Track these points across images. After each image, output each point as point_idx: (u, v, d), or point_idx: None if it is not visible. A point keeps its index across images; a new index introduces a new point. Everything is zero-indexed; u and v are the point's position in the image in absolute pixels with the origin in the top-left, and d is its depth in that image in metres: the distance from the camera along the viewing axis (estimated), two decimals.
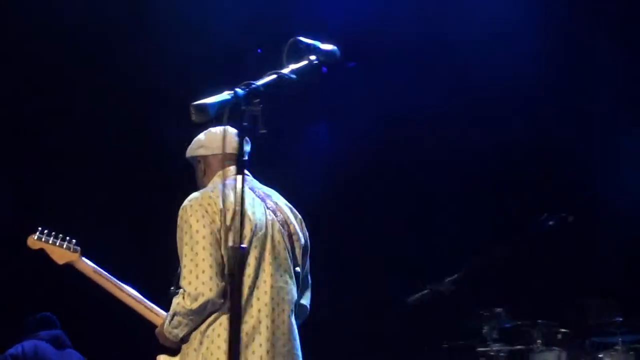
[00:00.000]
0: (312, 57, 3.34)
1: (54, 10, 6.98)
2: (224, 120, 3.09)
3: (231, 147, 4.05)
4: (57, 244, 4.35)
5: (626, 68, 7.02)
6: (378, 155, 7.58)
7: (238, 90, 3.13)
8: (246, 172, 4.00)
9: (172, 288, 4.10)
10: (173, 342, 4.08)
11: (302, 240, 4.27)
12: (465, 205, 7.56)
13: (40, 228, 4.40)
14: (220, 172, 4.17)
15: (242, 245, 3.11)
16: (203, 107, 3.09)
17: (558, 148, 7.31)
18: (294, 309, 4.15)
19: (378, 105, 7.33)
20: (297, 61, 3.28)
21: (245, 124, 3.12)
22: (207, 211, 3.98)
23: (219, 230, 3.94)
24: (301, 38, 3.31)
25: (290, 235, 4.20)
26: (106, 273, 4.34)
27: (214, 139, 4.25)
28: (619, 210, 6.98)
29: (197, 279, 3.90)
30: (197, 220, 3.96)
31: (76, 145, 7.51)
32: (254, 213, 4.07)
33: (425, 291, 6.33)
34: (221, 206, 3.93)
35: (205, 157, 4.28)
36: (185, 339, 4.06)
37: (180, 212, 4.03)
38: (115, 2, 7.19)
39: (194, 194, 4.06)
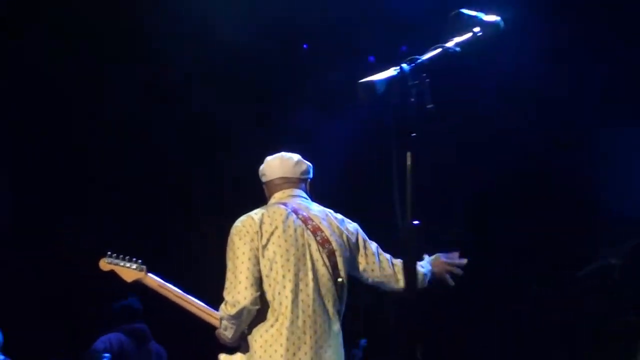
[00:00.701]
0: (476, 29, 3.29)
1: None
2: (391, 96, 3.08)
3: (282, 172, 4.67)
4: (125, 265, 4.73)
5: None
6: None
7: (404, 65, 3.12)
8: (299, 191, 4.65)
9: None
10: (229, 342, 4.51)
11: (346, 253, 4.64)
12: None
13: (109, 252, 4.77)
14: (275, 195, 4.69)
15: (415, 222, 3.06)
16: (370, 85, 3.08)
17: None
18: (335, 317, 4.57)
19: None
20: (460, 34, 3.26)
21: (412, 99, 3.08)
22: (247, 232, 4.46)
23: (257, 248, 4.43)
24: (464, 10, 3.28)
25: (329, 252, 4.56)
26: (170, 285, 4.73)
27: (270, 166, 4.73)
28: None
29: (235, 289, 4.37)
30: (239, 239, 4.46)
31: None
32: (292, 236, 4.51)
33: (599, 264, 6.15)
34: (258, 228, 4.45)
35: (265, 183, 4.76)
36: (243, 337, 4.47)
37: (231, 231, 4.50)
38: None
39: (243, 216, 4.54)
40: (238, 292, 4.37)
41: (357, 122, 6.60)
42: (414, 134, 3.10)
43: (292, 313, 4.43)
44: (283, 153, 4.74)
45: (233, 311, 4.37)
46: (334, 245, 4.59)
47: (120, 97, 7.13)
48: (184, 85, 7.22)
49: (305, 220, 4.58)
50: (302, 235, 4.54)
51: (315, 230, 4.58)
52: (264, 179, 4.77)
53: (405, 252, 3.11)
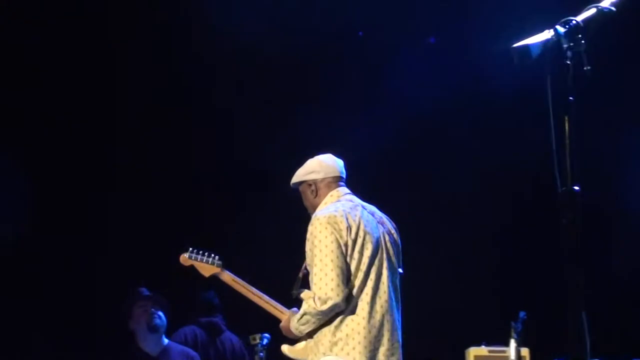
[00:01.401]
0: None
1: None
2: (546, 60, 3.03)
3: (337, 171, 4.79)
4: (204, 260, 4.92)
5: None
6: None
7: (558, 28, 3.05)
8: (349, 191, 4.78)
9: (293, 291, 4.76)
10: (295, 336, 4.69)
11: (400, 246, 4.84)
12: None
13: (190, 248, 4.93)
14: (332, 193, 4.76)
15: (575, 188, 3.01)
16: (525, 50, 3.03)
17: None
18: (400, 306, 4.74)
19: None
20: None
21: (568, 62, 3.01)
22: (335, 228, 4.53)
23: (346, 244, 4.52)
24: None
25: (394, 243, 4.77)
26: (242, 281, 4.93)
27: (323, 165, 4.82)
28: None
29: (326, 285, 4.46)
30: (326, 236, 4.52)
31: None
32: (372, 228, 4.65)
33: None
34: (347, 224, 4.54)
35: (315, 181, 4.80)
36: (311, 334, 4.62)
37: (310, 228, 4.59)
38: None
39: (321, 213, 4.61)
40: (330, 289, 4.48)
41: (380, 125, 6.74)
42: (572, 98, 3.02)
43: (371, 309, 4.57)
44: (329, 154, 4.89)
45: (324, 307, 4.50)
46: (395, 236, 4.81)
47: (141, 97, 7.17)
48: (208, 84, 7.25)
49: (373, 213, 4.75)
50: (377, 228, 4.70)
51: (382, 222, 4.78)
52: (313, 177, 4.83)
53: (564, 217, 3.01)
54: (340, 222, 4.58)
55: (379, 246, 4.68)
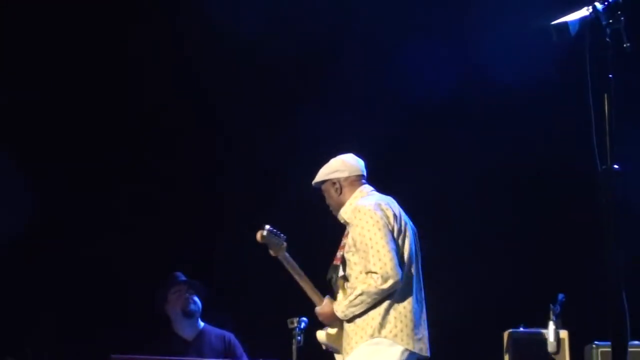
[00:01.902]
0: None
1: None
2: (585, 37, 3.01)
3: (360, 170, 4.97)
4: (276, 241, 4.99)
5: None
6: None
7: (597, 4, 3.03)
8: (372, 188, 4.94)
9: (331, 277, 4.92)
10: (333, 320, 4.82)
11: None
12: None
13: (267, 226, 4.97)
14: (361, 189, 4.92)
15: (614, 167, 2.97)
16: (563, 27, 3.01)
17: None
18: None
19: None
20: None
21: (607, 39, 2.97)
22: (384, 214, 4.74)
23: (398, 231, 4.74)
24: None
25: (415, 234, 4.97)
26: (295, 264, 5.02)
27: (347, 164, 4.97)
28: None
29: (386, 265, 4.62)
30: (377, 220, 4.70)
31: None
32: (408, 220, 4.88)
33: None
34: (392, 211, 4.75)
35: (339, 179, 4.95)
36: (351, 319, 4.73)
37: (357, 216, 4.77)
38: None
39: (364, 202, 4.78)
40: (391, 268, 4.63)
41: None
42: (611, 75, 2.99)
43: (416, 296, 4.77)
44: (351, 154, 5.04)
45: (385, 286, 4.63)
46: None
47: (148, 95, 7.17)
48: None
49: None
50: (410, 221, 4.91)
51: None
52: (337, 175, 4.96)
53: (604, 196, 2.98)
54: (386, 210, 4.77)
55: (415, 237, 4.89)
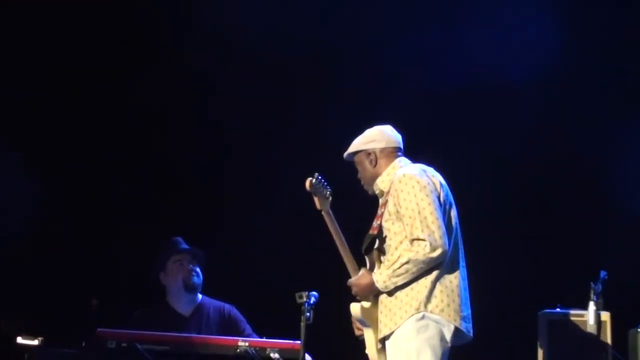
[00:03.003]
0: None
1: None
2: None
3: (397, 142, 4.82)
4: (324, 193, 4.83)
5: None
6: None
7: None
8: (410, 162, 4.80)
9: (366, 247, 4.73)
10: (369, 293, 4.64)
11: None
12: None
13: (317, 174, 4.82)
14: (397, 161, 4.77)
15: None
16: None
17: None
18: None
19: None
20: None
21: None
22: (432, 182, 4.62)
23: (444, 202, 4.61)
24: None
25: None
26: (337, 226, 4.84)
27: (384, 134, 4.83)
28: None
29: (434, 233, 4.49)
30: (424, 186, 4.57)
31: None
32: (448, 191, 4.73)
33: None
34: (438, 180, 4.65)
35: (375, 150, 4.80)
36: (391, 292, 4.56)
37: (401, 184, 4.60)
38: None
39: (410, 170, 4.65)
40: (439, 236, 4.50)
41: None
42: None
43: (463, 270, 4.64)
44: (388, 125, 4.90)
45: (433, 254, 4.49)
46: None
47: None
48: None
49: None
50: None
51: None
52: (374, 146, 4.83)
53: None
54: (432, 177, 4.66)
55: (456, 210, 4.75)
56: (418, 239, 4.51)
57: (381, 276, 4.61)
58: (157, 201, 6.98)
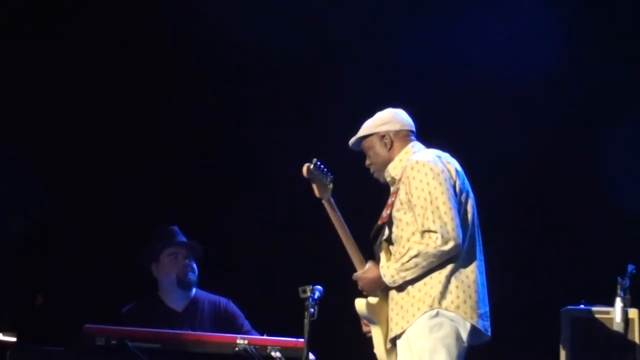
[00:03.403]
0: None
1: None
2: None
3: (411, 125, 4.70)
4: (323, 179, 4.69)
5: None
6: None
7: None
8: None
9: (374, 238, 4.61)
10: (376, 287, 4.50)
11: None
12: None
13: (316, 161, 4.69)
14: (411, 145, 4.63)
15: None
16: None
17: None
18: None
19: None
20: None
21: None
22: (446, 167, 4.46)
23: (459, 192, 4.44)
24: None
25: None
26: (339, 215, 4.70)
27: (398, 117, 4.70)
28: None
29: (447, 224, 4.33)
30: (438, 174, 4.41)
31: None
32: (465, 179, 4.60)
33: None
34: (454, 167, 4.49)
35: (389, 132, 4.66)
36: (402, 287, 4.41)
37: (412, 171, 4.45)
38: None
39: (423, 156, 4.50)
40: (452, 229, 4.36)
41: None
42: None
43: (480, 264, 4.50)
44: (399, 108, 4.81)
45: (445, 247, 4.34)
46: None
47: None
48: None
49: None
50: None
51: None
52: (387, 128, 4.70)
53: None
54: (447, 164, 4.53)
55: (474, 201, 4.62)
56: (429, 231, 4.37)
57: (389, 270, 4.46)
58: (155, 193, 6.93)
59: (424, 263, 4.36)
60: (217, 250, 6.14)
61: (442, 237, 4.33)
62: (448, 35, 6.87)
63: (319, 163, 4.69)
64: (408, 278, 4.40)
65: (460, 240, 4.37)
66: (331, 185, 4.73)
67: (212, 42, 6.99)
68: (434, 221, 4.36)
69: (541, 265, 6.63)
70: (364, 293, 4.56)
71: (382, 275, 4.46)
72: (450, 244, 4.33)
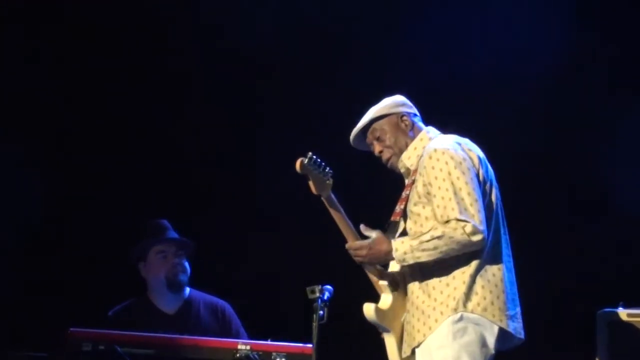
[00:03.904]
0: None
1: None
2: None
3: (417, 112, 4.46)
4: (320, 173, 4.38)
5: None
6: None
7: None
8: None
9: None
10: (377, 260, 4.24)
11: None
12: None
13: (311, 154, 4.36)
14: (425, 131, 4.38)
15: None
16: None
17: None
18: None
19: None
20: None
21: None
22: (468, 155, 4.20)
23: (477, 175, 4.18)
24: None
25: None
26: (342, 211, 4.42)
27: (408, 102, 4.47)
28: None
29: (474, 216, 4.07)
30: (460, 162, 4.15)
31: None
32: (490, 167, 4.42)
33: None
34: (477, 154, 4.23)
35: (409, 114, 4.43)
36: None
37: (434, 155, 4.18)
38: None
39: (442, 143, 4.24)
40: (480, 220, 4.08)
41: None
42: None
43: (508, 260, 4.26)
44: None
45: (474, 238, 4.06)
46: None
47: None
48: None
49: None
50: None
51: None
52: (405, 110, 4.42)
53: None
54: (469, 151, 4.26)
55: (498, 190, 4.39)
56: (457, 220, 4.09)
57: (403, 245, 4.13)
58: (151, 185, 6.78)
59: (445, 248, 4.07)
60: (216, 248, 5.99)
61: (474, 227, 4.06)
62: (448, 36, 6.71)
63: (314, 157, 4.37)
64: (422, 260, 4.11)
65: (486, 235, 4.11)
66: (331, 181, 4.43)
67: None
68: (460, 212, 4.09)
69: (577, 264, 6.47)
70: (362, 264, 4.27)
71: (394, 249, 4.15)
72: (479, 236, 4.06)
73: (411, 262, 4.12)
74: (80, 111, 6.83)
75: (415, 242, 4.11)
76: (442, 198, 4.12)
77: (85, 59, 6.79)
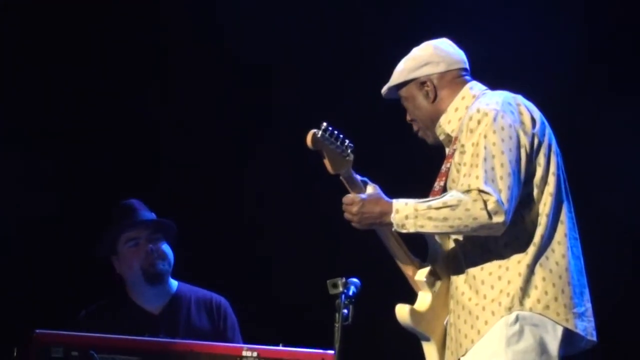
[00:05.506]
0: None
1: None
2: None
3: (462, 60, 3.99)
4: (337, 148, 3.89)
5: None
6: None
7: None
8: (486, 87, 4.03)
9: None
10: (370, 220, 3.76)
11: None
12: None
13: (325, 124, 3.86)
14: (466, 88, 3.90)
15: None
16: None
17: None
18: None
19: None
20: None
21: None
22: (515, 118, 3.76)
23: (530, 142, 3.75)
24: None
25: None
26: (363, 188, 3.96)
27: (441, 53, 4.00)
28: None
29: (501, 192, 3.64)
30: (502, 127, 3.74)
31: None
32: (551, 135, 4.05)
33: None
34: (529, 113, 3.77)
35: (431, 77, 3.94)
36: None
37: (476, 116, 3.73)
38: None
39: (488, 103, 3.77)
40: (506, 200, 3.62)
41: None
42: None
43: (572, 246, 3.83)
44: (444, 38, 4.11)
45: (494, 219, 3.60)
46: None
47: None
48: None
49: None
50: None
51: None
52: (429, 71, 3.94)
53: None
54: (521, 114, 3.79)
55: (561, 158, 3.99)
56: (479, 190, 3.63)
57: (407, 208, 3.66)
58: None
59: (456, 222, 3.63)
60: (219, 242, 5.79)
61: (497, 204, 3.60)
62: (448, 36, 6.65)
63: (330, 128, 3.86)
64: (425, 230, 3.66)
65: (506, 218, 3.64)
66: (351, 157, 3.92)
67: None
68: (485, 182, 3.63)
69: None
70: (352, 224, 3.77)
71: (394, 210, 3.67)
72: (500, 218, 3.60)
73: (412, 230, 3.67)
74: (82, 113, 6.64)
75: (422, 207, 3.66)
76: (471, 165, 3.68)
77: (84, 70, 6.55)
